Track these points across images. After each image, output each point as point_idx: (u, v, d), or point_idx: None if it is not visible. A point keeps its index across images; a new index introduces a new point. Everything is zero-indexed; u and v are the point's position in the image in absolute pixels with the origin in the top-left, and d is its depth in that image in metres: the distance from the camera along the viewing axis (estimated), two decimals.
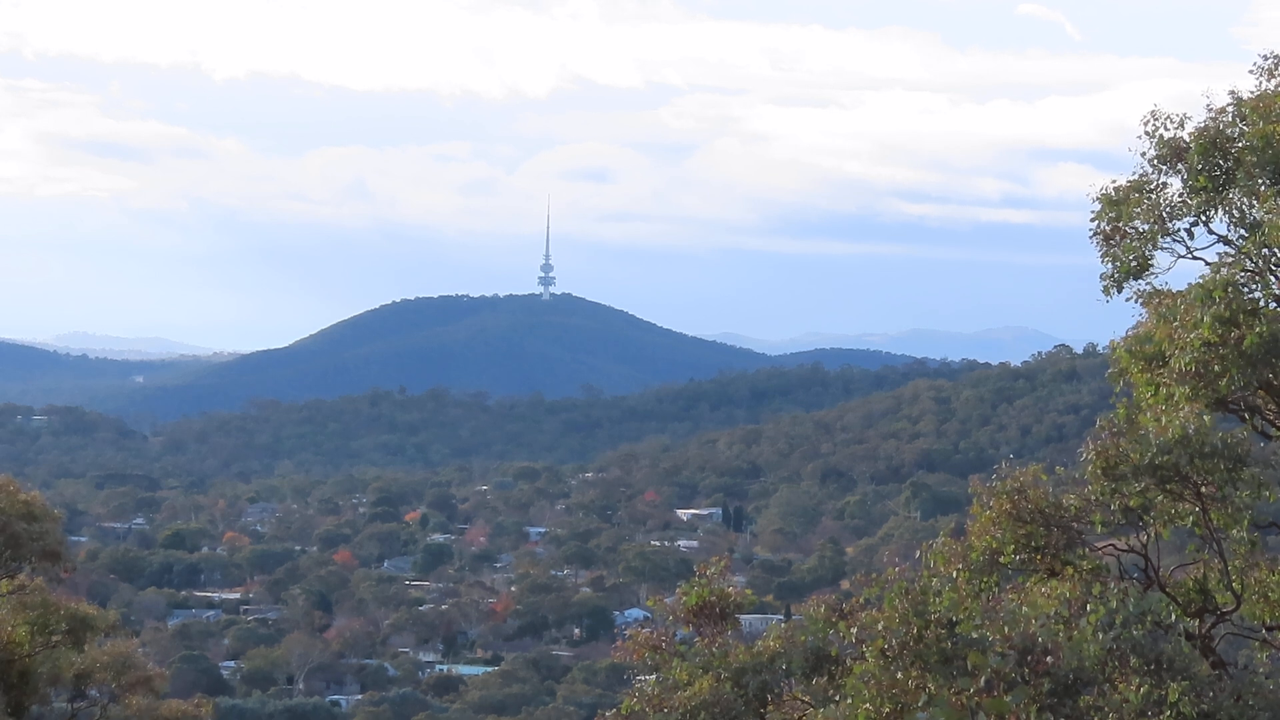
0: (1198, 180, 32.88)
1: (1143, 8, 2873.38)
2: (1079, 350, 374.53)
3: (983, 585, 29.88)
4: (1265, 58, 33.20)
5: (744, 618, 35.40)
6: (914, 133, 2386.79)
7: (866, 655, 26.13)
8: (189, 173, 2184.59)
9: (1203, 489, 30.34)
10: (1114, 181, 34.02)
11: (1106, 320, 35.89)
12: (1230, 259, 32.59)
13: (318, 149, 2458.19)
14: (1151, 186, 33.67)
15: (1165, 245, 33.55)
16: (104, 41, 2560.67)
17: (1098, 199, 33.99)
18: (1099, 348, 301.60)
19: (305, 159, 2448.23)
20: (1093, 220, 34.10)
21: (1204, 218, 33.25)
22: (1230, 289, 31.23)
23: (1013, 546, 30.56)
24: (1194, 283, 31.94)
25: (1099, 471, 30.29)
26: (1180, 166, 33.31)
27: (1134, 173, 33.79)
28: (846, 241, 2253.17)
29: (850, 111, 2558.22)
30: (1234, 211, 32.83)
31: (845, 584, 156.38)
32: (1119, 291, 33.69)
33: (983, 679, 23.86)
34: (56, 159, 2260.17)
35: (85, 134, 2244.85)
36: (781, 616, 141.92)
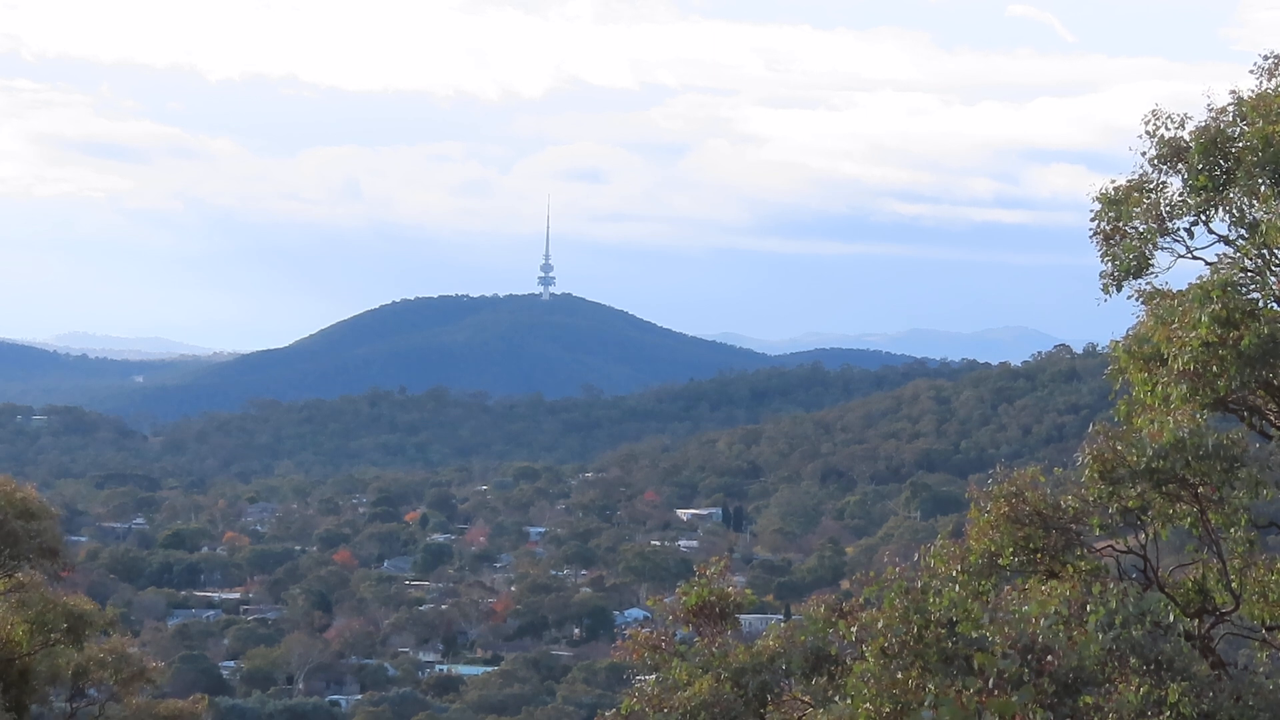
0: (1198, 180, 32.86)
1: (1132, 9, 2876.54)
2: (1079, 350, 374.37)
3: (982, 588, 29.85)
4: (1265, 57, 33.20)
5: (744, 618, 35.37)
6: (905, 133, 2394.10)
7: (866, 655, 26.11)
8: (184, 173, 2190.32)
9: (1200, 490, 30.32)
10: (1113, 181, 34.02)
11: (1106, 320, 35.88)
12: (1228, 260, 32.58)
13: (311, 149, 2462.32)
14: (1151, 186, 33.65)
15: (1165, 245, 33.53)
16: (101, 43, 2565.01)
17: (1097, 198, 33.97)
18: (1099, 348, 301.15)
19: (300, 159, 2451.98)
20: (1092, 220, 34.07)
21: (1204, 217, 33.23)
22: (1228, 289, 31.21)
23: (1011, 549, 30.54)
24: (1193, 283, 31.94)
25: (1096, 475, 30.27)
26: (1180, 166, 33.29)
27: (1134, 172, 33.80)
28: (842, 242, 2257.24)
29: (842, 112, 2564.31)
30: (1234, 211, 32.80)
31: (845, 584, 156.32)
32: (1119, 291, 33.67)
33: (990, 679, 23.84)
34: (52, 159, 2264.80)
35: (80, 134, 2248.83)
36: (781, 616, 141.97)
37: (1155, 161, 33.54)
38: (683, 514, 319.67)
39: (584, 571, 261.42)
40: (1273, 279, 32.13)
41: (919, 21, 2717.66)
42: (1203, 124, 33.00)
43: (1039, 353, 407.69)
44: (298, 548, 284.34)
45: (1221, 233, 33.14)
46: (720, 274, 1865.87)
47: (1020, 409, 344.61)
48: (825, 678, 30.54)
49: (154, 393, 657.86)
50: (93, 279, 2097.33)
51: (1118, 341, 32.97)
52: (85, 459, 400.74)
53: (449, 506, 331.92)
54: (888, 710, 25.37)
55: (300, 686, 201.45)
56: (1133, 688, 25.62)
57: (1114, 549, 31.27)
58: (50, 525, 47.55)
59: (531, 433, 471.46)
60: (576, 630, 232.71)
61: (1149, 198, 33.50)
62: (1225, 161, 32.71)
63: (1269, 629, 32.47)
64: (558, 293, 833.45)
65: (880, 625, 26.06)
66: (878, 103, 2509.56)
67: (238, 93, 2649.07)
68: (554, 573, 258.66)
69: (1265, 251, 32.13)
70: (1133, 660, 26.13)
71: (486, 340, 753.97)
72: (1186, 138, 33.17)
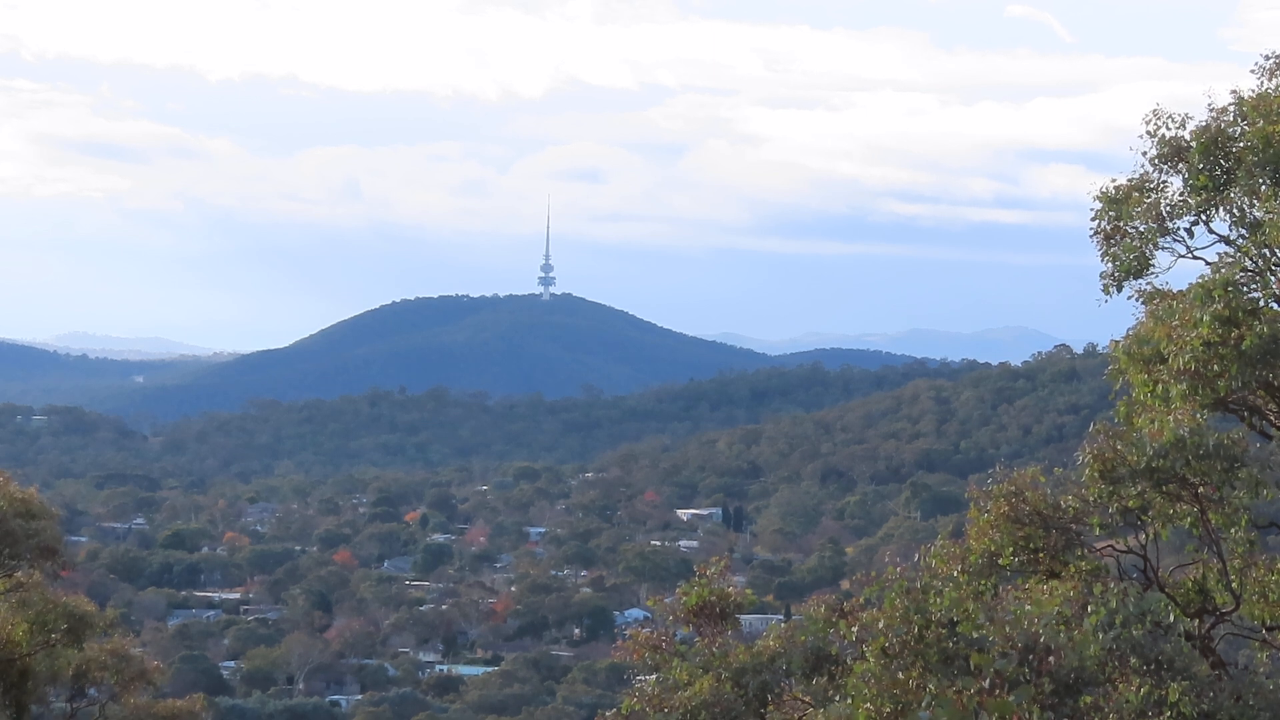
0: (1198, 180, 32.85)
1: (1132, 9, 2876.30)
2: (1079, 350, 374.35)
3: (981, 588, 29.83)
4: (1266, 57, 33.20)
5: (744, 618, 35.36)
6: (904, 133, 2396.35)
7: (867, 655, 26.09)
8: (183, 173, 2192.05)
9: (1200, 490, 30.30)
10: (1114, 181, 34.01)
11: (1106, 320, 35.87)
12: (1230, 259, 32.56)
13: (311, 149, 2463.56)
14: (1152, 186, 33.63)
15: (1165, 245, 33.53)
16: (101, 43, 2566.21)
17: (1098, 198, 33.96)
18: (1099, 348, 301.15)
19: (299, 159, 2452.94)
20: (1093, 219, 34.06)
21: (1204, 217, 33.22)
22: (1230, 288, 31.19)
23: (1011, 549, 30.52)
24: (1194, 282, 31.92)
25: (1096, 475, 30.24)
26: (1181, 166, 33.28)
27: (1134, 172, 33.78)
28: (841, 242, 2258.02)
29: (841, 113, 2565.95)
30: (1234, 211, 32.79)
31: (845, 584, 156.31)
32: (1119, 291, 33.65)
33: (987, 679, 23.82)
34: (52, 159, 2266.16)
35: (80, 134, 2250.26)
36: (781, 616, 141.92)
37: (1156, 161, 33.54)
38: (683, 514, 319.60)
39: (584, 572, 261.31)
40: (1273, 279, 32.11)
41: (918, 22, 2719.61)
42: (1203, 124, 32.99)
43: (1039, 353, 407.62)
44: (298, 548, 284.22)
45: (1222, 232, 33.14)
46: (720, 274, 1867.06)
47: (1020, 409, 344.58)
48: (825, 678, 30.53)
49: (154, 393, 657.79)
50: (93, 279, 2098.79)
51: (1118, 342, 32.94)
52: (85, 459, 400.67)
53: (449, 506, 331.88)
54: (888, 710, 25.35)
55: (300, 687, 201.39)
56: (1133, 688, 25.59)
57: (1114, 549, 31.24)
58: (49, 525, 47.53)
59: (531, 433, 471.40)
60: (576, 630, 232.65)
61: (1149, 197, 33.49)
62: (1226, 161, 32.70)
63: (1269, 629, 32.45)
64: (558, 293, 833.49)
65: (881, 625, 26.04)
66: (877, 103, 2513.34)
67: (237, 93, 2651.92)
68: (554, 573, 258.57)
69: (1266, 251, 32.12)
70: (1133, 660, 26.09)
71: (486, 340, 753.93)
72: (1187, 137, 33.16)
